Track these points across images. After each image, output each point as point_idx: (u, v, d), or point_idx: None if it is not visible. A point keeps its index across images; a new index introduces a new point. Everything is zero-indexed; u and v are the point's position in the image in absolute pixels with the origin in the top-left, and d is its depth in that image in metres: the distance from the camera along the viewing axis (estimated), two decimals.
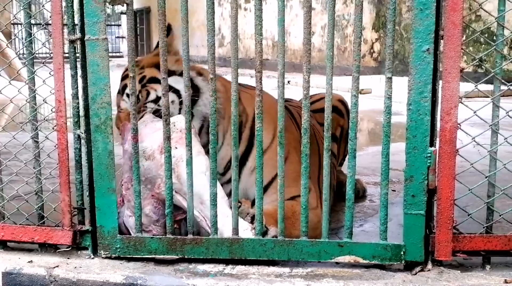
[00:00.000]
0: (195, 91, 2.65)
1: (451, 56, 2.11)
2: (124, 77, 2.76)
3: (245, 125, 2.75)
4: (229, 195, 2.50)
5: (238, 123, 2.34)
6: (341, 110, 3.66)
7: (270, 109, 2.51)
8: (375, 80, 11.32)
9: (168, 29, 2.64)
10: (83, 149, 2.42)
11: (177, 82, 2.62)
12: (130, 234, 2.48)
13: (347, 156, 2.30)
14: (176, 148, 2.42)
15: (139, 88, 2.68)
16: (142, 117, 2.59)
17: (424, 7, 2.11)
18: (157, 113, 2.63)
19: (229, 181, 2.48)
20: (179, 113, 2.64)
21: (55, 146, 2.41)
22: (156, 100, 2.66)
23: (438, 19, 2.13)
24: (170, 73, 2.55)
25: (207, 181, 2.39)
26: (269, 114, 2.48)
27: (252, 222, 2.43)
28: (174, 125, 2.47)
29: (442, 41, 2.12)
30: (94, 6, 2.30)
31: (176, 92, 2.67)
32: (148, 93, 2.69)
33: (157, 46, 2.77)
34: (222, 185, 2.58)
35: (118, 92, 2.80)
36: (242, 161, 2.70)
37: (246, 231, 2.36)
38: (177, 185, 2.42)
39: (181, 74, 2.48)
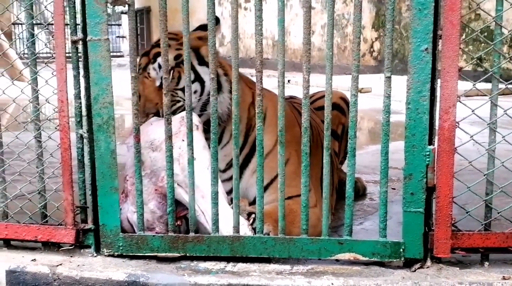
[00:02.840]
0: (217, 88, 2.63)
1: (449, 56, 2.13)
2: (155, 45, 2.74)
3: (253, 129, 2.76)
4: (228, 192, 2.55)
5: (239, 122, 2.35)
6: (343, 107, 3.62)
7: (276, 111, 2.44)
8: (375, 79, 11.32)
9: (217, 20, 2.61)
10: (86, 149, 2.44)
11: (205, 73, 2.65)
12: (133, 230, 2.50)
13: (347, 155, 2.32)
14: (183, 140, 2.45)
15: (173, 64, 2.66)
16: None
17: (423, 6, 2.13)
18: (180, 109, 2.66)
19: (230, 178, 2.55)
20: (199, 103, 2.69)
21: (57, 146, 2.43)
22: (183, 89, 2.56)
23: (437, 18, 2.15)
24: (203, 62, 2.68)
25: (210, 176, 2.42)
26: (274, 116, 2.48)
27: (248, 218, 2.48)
28: (183, 119, 2.49)
29: (440, 40, 2.14)
30: (96, 7, 2.32)
31: (202, 82, 2.70)
32: (179, 77, 2.68)
33: (200, 27, 2.85)
34: (222, 182, 2.62)
35: (145, 54, 2.76)
36: (245, 162, 2.75)
37: (243, 226, 2.40)
38: (181, 177, 2.44)
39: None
